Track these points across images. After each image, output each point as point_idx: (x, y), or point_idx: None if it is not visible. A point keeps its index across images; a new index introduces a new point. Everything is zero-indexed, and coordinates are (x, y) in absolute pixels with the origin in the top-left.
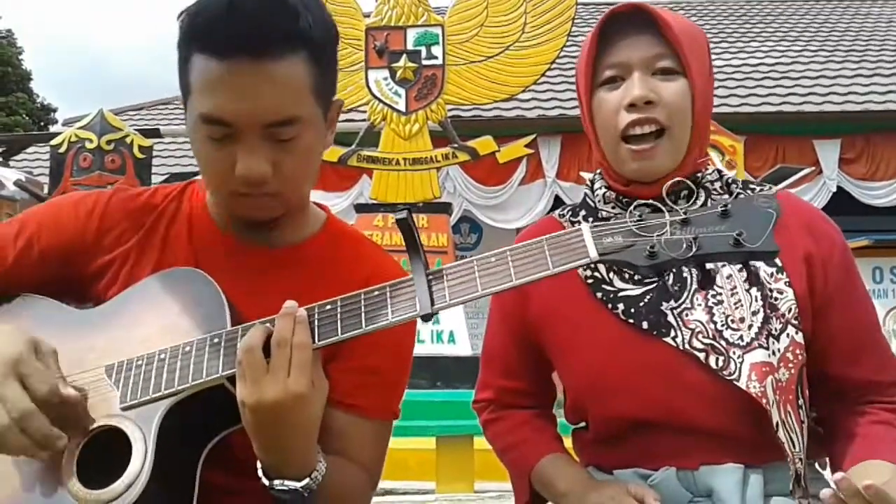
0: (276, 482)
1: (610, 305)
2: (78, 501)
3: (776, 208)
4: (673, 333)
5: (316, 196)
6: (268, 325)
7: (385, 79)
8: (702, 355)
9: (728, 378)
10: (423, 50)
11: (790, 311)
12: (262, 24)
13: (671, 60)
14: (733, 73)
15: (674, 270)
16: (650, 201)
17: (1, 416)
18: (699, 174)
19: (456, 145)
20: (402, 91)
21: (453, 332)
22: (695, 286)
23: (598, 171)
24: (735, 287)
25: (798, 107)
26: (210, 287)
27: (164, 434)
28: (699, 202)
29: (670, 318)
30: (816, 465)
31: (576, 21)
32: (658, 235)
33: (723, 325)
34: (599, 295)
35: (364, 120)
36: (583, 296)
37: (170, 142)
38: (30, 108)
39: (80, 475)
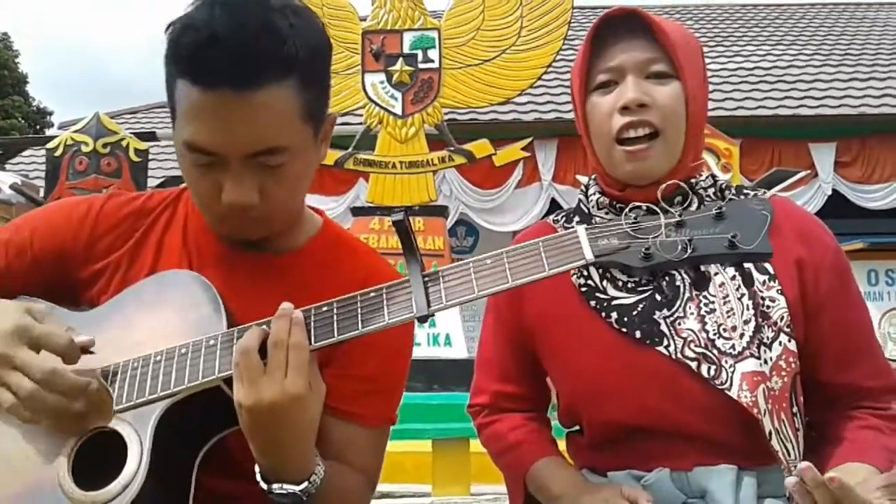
0: (275, 486)
1: (603, 314)
2: (73, 503)
3: (770, 210)
4: (666, 342)
5: (312, 200)
6: (264, 327)
7: (381, 82)
8: (694, 364)
9: (720, 387)
10: (420, 53)
11: (782, 319)
12: (246, 54)
13: (665, 64)
14: (729, 76)
15: (667, 278)
16: (645, 204)
17: (25, 383)
18: (693, 179)
19: (452, 148)
20: (398, 94)
21: (449, 335)
22: (688, 294)
23: (593, 176)
24: (727, 295)
25: (794, 110)
26: (207, 290)
27: (160, 436)
28: (693, 207)
29: (663, 327)
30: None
31: (572, 25)
32: (653, 237)
33: (715, 334)
34: (593, 303)
35: (360, 123)
36: (577, 304)
37: (166, 145)
38: (26, 112)
39: (76, 477)
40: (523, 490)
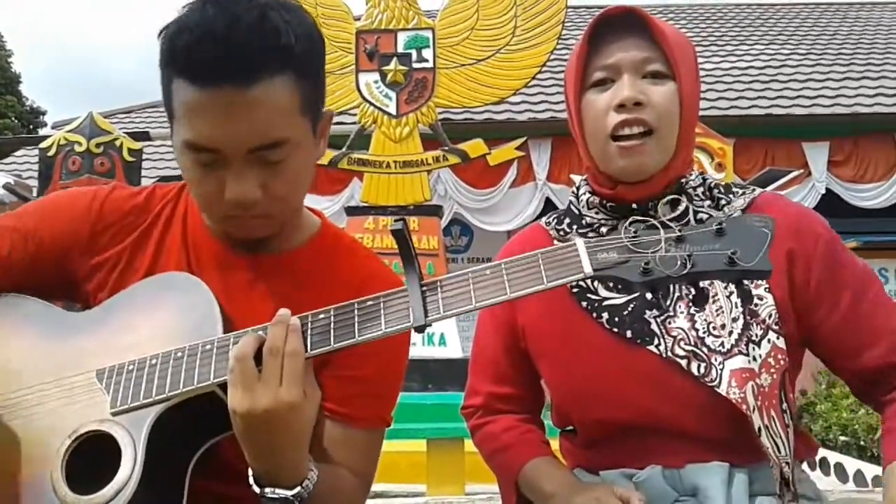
0: (268, 490)
1: (595, 314)
2: None
3: (771, 228)
4: (656, 342)
5: (307, 199)
6: (260, 332)
7: (375, 82)
8: (684, 362)
9: (709, 384)
10: (414, 53)
11: (770, 316)
12: (243, 49)
13: (661, 64)
14: (723, 76)
15: None
16: (646, 218)
17: None
18: (683, 179)
19: (447, 148)
20: (392, 94)
21: (444, 335)
22: (678, 294)
23: (584, 177)
24: (717, 294)
25: (787, 110)
26: (204, 293)
27: (154, 440)
28: (681, 207)
29: (654, 327)
30: (805, 466)
31: (566, 24)
32: (653, 252)
33: (704, 332)
34: (584, 304)
35: (354, 123)
36: (569, 304)
37: (160, 144)
38: (19, 111)
39: (70, 480)
40: (516, 491)
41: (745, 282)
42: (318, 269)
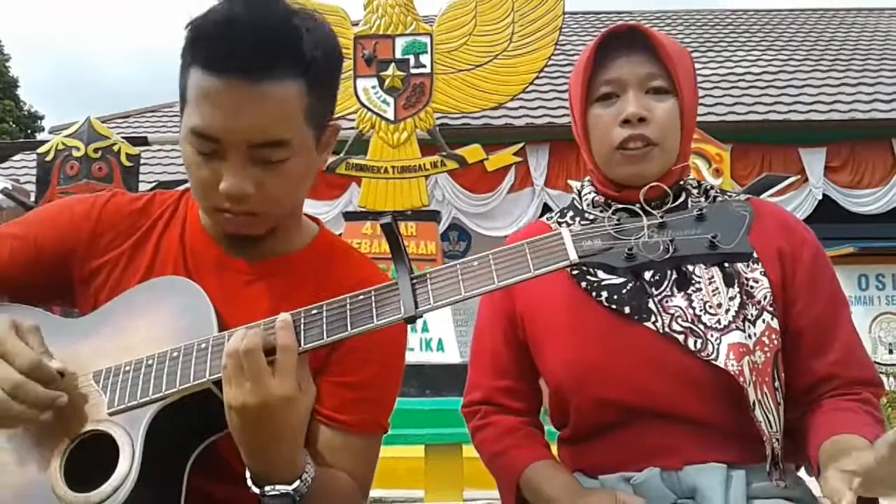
0: (267, 488)
1: (594, 293)
2: None
3: (750, 211)
4: (654, 318)
5: (305, 205)
6: (254, 329)
7: (373, 87)
8: (681, 337)
9: (706, 358)
10: (412, 58)
11: (765, 298)
12: (261, 44)
13: (663, 80)
14: (720, 82)
15: None
16: (629, 205)
17: None
18: (682, 181)
19: (444, 153)
20: (390, 99)
21: (442, 340)
22: (675, 276)
23: (587, 178)
24: (713, 276)
25: (784, 115)
26: (199, 296)
27: (151, 438)
28: (680, 199)
29: (651, 305)
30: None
31: (563, 31)
32: (636, 238)
33: (701, 311)
34: (584, 284)
35: (352, 128)
36: (567, 286)
37: (157, 150)
38: (16, 116)
39: (68, 479)
40: (516, 494)
41: (741, 268)
42: (314, 273)
